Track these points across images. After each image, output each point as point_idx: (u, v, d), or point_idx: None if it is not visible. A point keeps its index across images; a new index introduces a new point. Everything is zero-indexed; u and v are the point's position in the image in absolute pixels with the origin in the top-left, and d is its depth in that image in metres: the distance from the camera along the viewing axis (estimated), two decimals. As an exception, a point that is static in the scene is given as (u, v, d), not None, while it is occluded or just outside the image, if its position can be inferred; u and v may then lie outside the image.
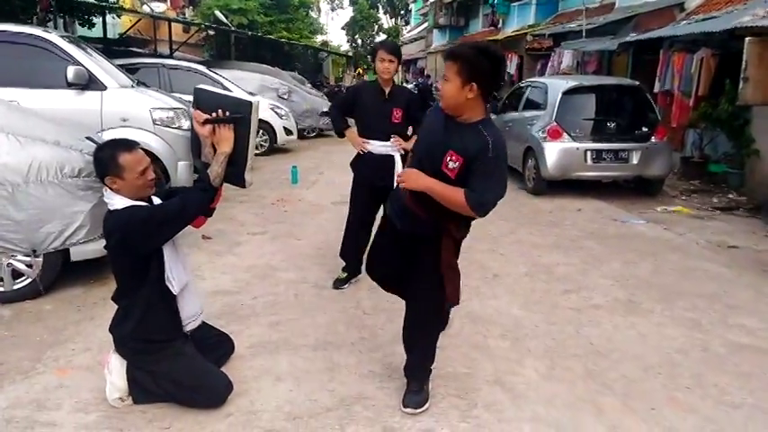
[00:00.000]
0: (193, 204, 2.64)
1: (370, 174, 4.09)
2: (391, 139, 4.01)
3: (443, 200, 2.40)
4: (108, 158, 2.54)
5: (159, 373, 2.62)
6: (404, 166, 4.25)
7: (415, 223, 2.59)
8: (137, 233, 2.49)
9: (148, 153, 5.53)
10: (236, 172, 2.77)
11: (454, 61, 2.33)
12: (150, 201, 2.66)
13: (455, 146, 2.38)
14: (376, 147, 4.04)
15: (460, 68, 2.31)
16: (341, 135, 4.25)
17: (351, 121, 4.21)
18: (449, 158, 2.39)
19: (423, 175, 2.43)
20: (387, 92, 4.03)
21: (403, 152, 4.02)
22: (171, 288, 2.63)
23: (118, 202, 2.54)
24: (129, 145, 2.61)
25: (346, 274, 4.30)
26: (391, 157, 4.03)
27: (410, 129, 4.18)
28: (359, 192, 4.23)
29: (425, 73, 28.62)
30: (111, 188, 2.56)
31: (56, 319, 3.57)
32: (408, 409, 2.66)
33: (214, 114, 2.68)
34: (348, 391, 2.85)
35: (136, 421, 2.55)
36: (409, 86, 21.40)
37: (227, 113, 2.69)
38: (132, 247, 2.53)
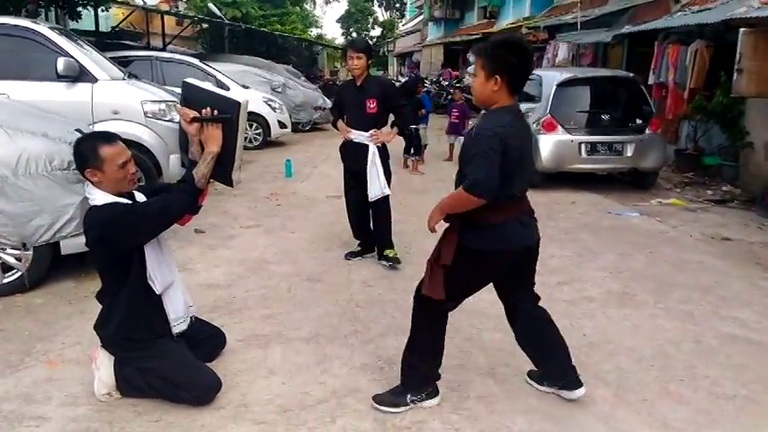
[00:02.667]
0: (176, 205, 2.60)
1: (348, 158, 4.62)
2: (369, 132, 4.39)
3: (457, 207, 2.39)
4: (88, 150, 2.50)
5: (147, 370, 2.59)
6: (383, 159, 4.37)
7: None
8: (115, 230, 2.46)
9: (140, 146, 5.58)
10: (223, 171, 2.70)
11: (478, 56, 2.38)
12: (132, 196, 2.62)
13: None
14: (355, 135, 4.47)
15: (484, 63, 2.35)
16: (335, 127, 4.74)
17: None
18: None
19: (434, 210, 2.46)
20: (359, 84, 4.43)
21: (380, 145, 4.43)
22: (153, 287, 2.59)
23: (99, 197, 2.51)
24: (109, 137, 2.57)
25: (360, 249, 4.77)
26: (366, 146, 4.42)
27: (391, 117, 4.54)
28: (346, 178, 4.73)
29: (419, 66, 28.55)
30: (91, 181, 2.52)
31: (46, 313, 3.54)
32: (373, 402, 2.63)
33: (204, 112, 2.62)
34: (340, 383, 2.83)
35: (125, 414, 2.53)
36: (403, 80, 21.36)
37: (216, 112, 2.62)
38: (111, 244, 2.49)
